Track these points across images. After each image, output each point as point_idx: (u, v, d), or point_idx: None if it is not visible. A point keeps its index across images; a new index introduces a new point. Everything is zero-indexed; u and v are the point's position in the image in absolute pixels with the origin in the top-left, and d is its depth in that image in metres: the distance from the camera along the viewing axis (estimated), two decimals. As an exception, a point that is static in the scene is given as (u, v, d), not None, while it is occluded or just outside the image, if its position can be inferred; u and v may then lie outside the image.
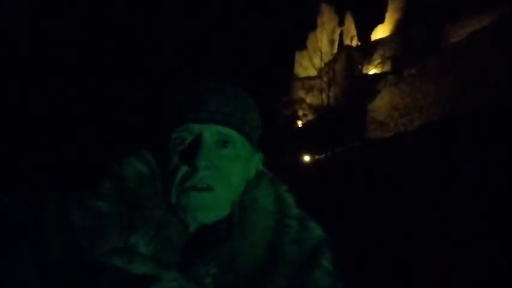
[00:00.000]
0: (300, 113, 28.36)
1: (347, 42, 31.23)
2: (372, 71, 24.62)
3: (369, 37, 30.64)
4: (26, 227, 0.48)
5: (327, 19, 32.42)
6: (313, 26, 33.90)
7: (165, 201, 0.52)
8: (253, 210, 0.54)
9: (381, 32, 29.42)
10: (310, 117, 27.88)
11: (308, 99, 29.06)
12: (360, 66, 25.13)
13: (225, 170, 0.52)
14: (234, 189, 0.54)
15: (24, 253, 0.46)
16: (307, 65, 30.38)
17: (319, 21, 33.08)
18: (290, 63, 35.09)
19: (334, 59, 26.50)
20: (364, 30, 32.07)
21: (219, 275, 0.48)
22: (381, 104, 18.03)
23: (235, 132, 0.54)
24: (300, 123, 28.29)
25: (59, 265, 0.46)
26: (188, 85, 0.57)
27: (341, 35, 32.18)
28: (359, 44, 31.24)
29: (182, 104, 0.53)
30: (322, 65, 27.18)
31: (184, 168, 0.51)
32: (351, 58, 25.24)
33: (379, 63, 24.83)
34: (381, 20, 30.18)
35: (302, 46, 34.26)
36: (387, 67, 24.17)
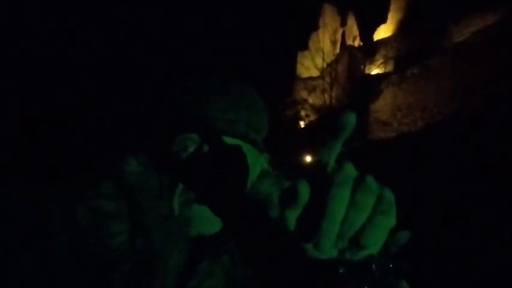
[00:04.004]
0: (302, 113, 28.28)
1: (349, 42, 31.15)
2: (375, 71, 24.52)
3: (371, 37, 30.53)
4: (29, 223, 0.48)
5: (329, 19, 32.35)
6: (315, 27, 33.86)
7: (169, 195, 0.52)
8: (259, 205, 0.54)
9: (383, 32, 29.30)
10: (312, 117, 27.80)
11: (310, 100, 28.99)
12: (362, 67, 25.05)
13: None
14: None
15: (27, 250, 0.46)
16: (309, 66, 30.31)
17: (321, 21, 33.00)
18: (292, 64, 35.07)
19: (337, 60, 26.41)
20: (367, 31, 32.02)
21: (230, 269, 0.49)
22: (384, 104, 17.95)
23: (240, 140, 0.52)
24: (302, 124, 28.23)
25: (63, 263, 0.46)
26: (189, 83, 0.55)
27: (343, 35, 32.11)
28: (361, 44, 31.15)
29: (184, 109, 0.52)
30: (325, 65, 27.11)
31: None
32: (353, 58, 25.15)
33: (381, 63, 24.73)
34: (383, 20, 30.07)
35: (304, 46, 34.23)
36: (390, 67, 24.06)
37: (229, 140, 0.51)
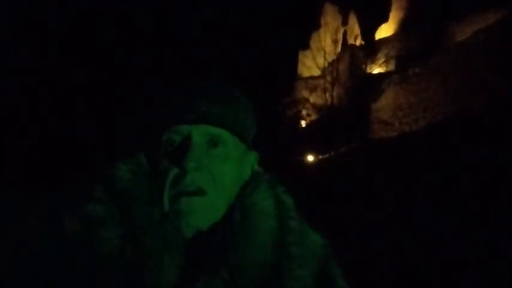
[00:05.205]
0: (304, 112, 28.26)
1: (351, 41, 31.00)
2: (376, 70, 24.46)
3: (373, 36, 30.41)
4: (20, 231, 0.48)
5: (330, 18, 32.26)
6: (316, 26, 33.78)
7: (160, 200, 0.51)
8: (255, 214, 0.53)
9: (385, 31, 29.20)
10: (313, 117, 27.77)
11: (312, 99, 28.95)
12: (363, 66, 24.98)
13: (217, 170, 0.51)
14: (228, 190, 0.53)
15: (17, 257, 0.46)
16: (311, 65, 30.26)
17: (322, 20, 32.92)
18: (293, 63, 35.00)
19: (338, 59, 26.36)
20: (368, 30, 31.81)
21: (229, 282, 0.47)
22: (385, 103, 17.91)
23: (227, 131, 0.53)
24: (303, 123, 28.20)
25: (52, 270, 0.46)
26: (180, 85, 0.56)
27: (345, 34, 31.98)
28: (363, 43, 31.04)
29: (172, 105, 0.53)
30: (326, 64, 27.07)
31: (174, 172, 0.50)
32: (354, 57, 25.09)
33: (383, 63, 24.66)
34: (385, 19, 29.96)
35: (305, 46, 34.15)
36: (391, 66, 24.00)
37: (216, 130, 0.52)
